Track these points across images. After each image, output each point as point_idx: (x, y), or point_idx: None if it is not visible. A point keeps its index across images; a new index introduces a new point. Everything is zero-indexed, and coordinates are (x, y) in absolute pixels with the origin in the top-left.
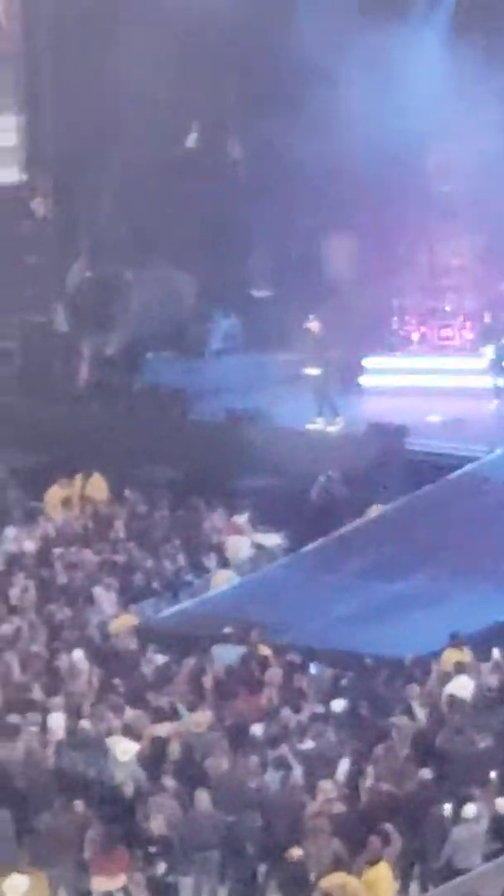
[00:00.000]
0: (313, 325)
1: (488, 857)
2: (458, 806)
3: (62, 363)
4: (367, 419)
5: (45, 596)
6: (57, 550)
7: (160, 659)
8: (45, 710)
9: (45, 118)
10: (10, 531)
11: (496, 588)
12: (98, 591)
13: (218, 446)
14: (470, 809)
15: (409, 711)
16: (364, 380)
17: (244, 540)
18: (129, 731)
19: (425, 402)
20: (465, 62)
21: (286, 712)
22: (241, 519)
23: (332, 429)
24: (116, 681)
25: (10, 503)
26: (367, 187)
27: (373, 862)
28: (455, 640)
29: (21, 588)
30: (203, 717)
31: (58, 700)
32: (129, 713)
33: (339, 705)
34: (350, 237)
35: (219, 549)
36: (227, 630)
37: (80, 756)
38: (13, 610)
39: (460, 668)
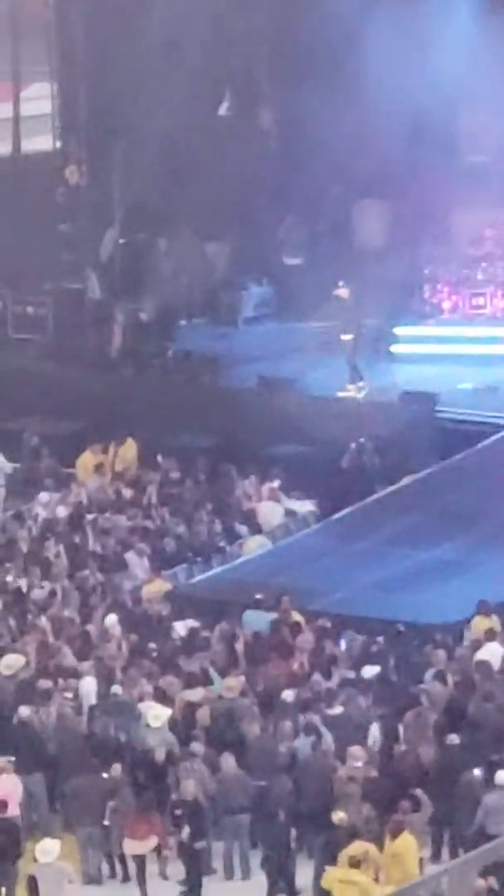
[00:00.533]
0: (342, 291)
1: None
2: (490, 772)
3: (95, 330)
4: (398, 387)
5: (77, 561)
6: (90, 516)
7: (192, 624)
8: (78, 675)
9: (79, 86)
10: (44, 497)
11: None
12: (130, 556)
13: (250, 413)
14: (501, 775)
15: (439, 678)
16: (396, 348)
17: (276, 507)
18: (162, 697)
19: (457, 369)
20: (497, 32)
21: (317, 678)
22: (273, 486)
23: (360, 394)
24: (149, 646)
25: (43, 470)
26: (399, 156)
27: (396, 833)
28: (483, 608)
29: (54, 553)
30: (235, 683)
31: (90, 665)
32: (162, 678)
33: (369, 671)
34: (382, 206)
35: (251, 516)
36: (258, 596)
37: (113, 721)
38: (46, 575)
39: (490, 636)
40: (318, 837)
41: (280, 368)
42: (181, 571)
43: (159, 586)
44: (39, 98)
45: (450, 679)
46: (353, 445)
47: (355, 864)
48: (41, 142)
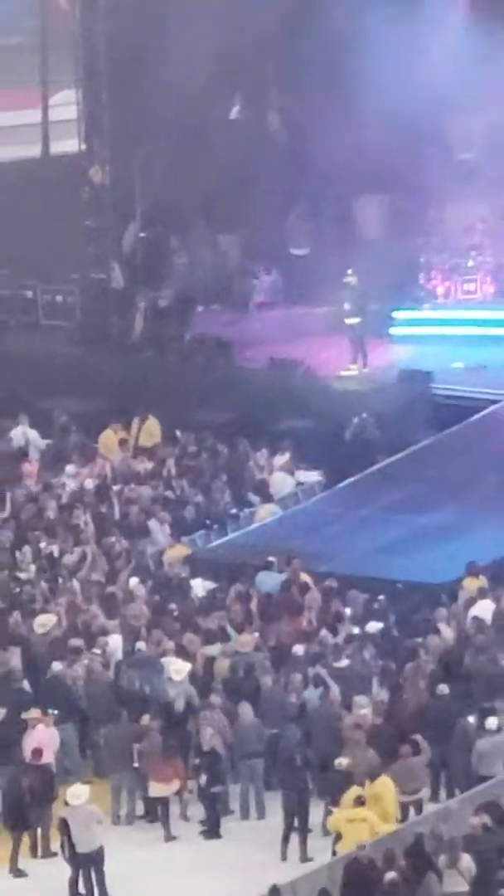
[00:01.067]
0: (352, 278)
1: None
2: (482, 719)
3: (119, 316)
4: (397, 366)
5: (104, 529)
6: (115, 487)
7: (210, 586)
8: (106, 633)
9: (102, 93)
10: (71, 469)
11: None
12: (153, 524)
13: (261, 391)
14: (492, 721)
15: (436, 632)
16: (394, 330)
17: (287, 477)
18: (182, 652)
19: (450, 350)
20: (485, 39)
21: (324, 634)
22: (283, 458)
23: (364, 372)
24: (170, 606)
25: (72, 445)
26: (396, 155)
27: (375, 776)
28: (472, 569)
29: (83, 522)
30: (249, 639)
31: (116, 624)
32: (182, 635)
33: (372, 627)
34: (380, 199)
35: (262, 486)
36: (270, 559)
37: (137, 675)
38: (76, 541)
39: (483, 593)
40: (326, 780)
41: (288, 350)
42: (199, 537)
43: (179, 551)
44: (66, 104)
45: (446, 633)
46: (355, 420)
47: (361, 802)
48: (68, 145)
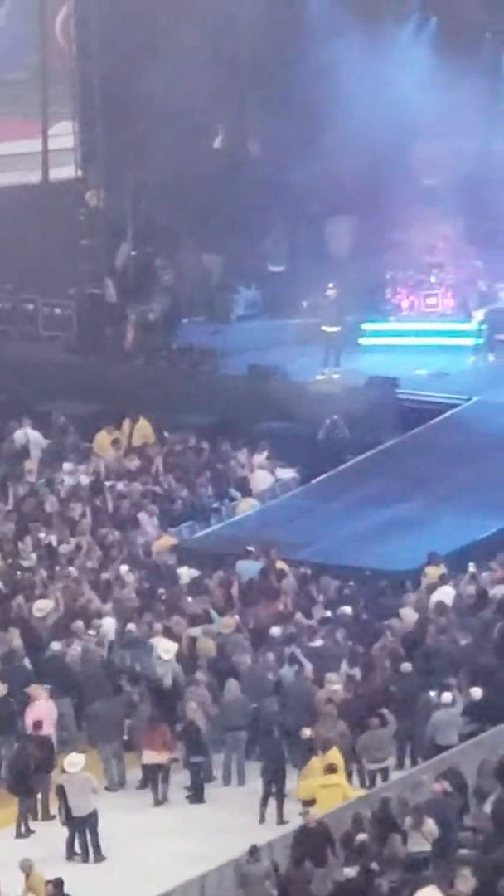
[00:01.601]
0: (332, 291)
1: (467, 737)
2: (439, 694)
3: (112, 327)
4: (365, 373)
5: (98, 521)
6: (108, 483)
7: (194, 573)
8: (100, 616)
9: (97, 124)
10: (68, 467)
11: (473, 513)
12: (142, 516)
13: (241, 396)
14: (447, 696)
15: (401, 615)
16: (363, 340)
17: (267, 475)
18: (170, 633)
19: (414, 358)
20: (446, 75)
21: (299, 617)
22: (262, 456)
23: (335, 377)
24: (158, 591)
25: (69, 445)
26: (365, 179)
27: (327, 748)
28: (433, 558)
29: (78, 514)
30: (230, 621)
31: (109, 607)
32: (170, 618)
33: (344, 611)
34: (350, 220)
35: (243, 482)
36: (249, 548)
37: (129, 654)
38: (72, 532)
39: (443, 580)
40: (300, 750)
41: (266, 358)
42: (185, 529)
43: (167, 541)
44: (64, 134)
45: (410, 616)
46: (327, 422)
47: (333, 769)
48: (65, 171)
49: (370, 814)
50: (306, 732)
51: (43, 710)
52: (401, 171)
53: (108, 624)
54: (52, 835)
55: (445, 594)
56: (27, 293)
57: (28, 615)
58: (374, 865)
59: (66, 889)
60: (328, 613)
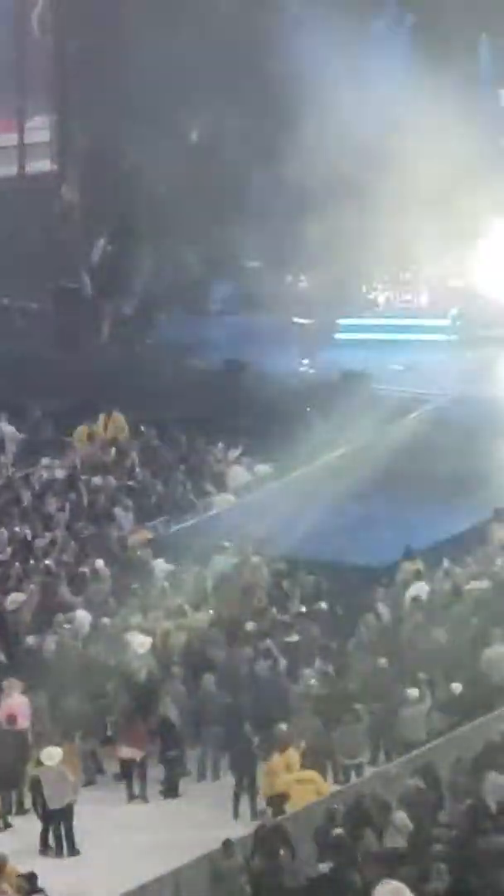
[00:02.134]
0: (304, 283)
1: (442, 733)
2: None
3: (88, 322)
4: (341, 368)
5: (73, 515)
6: (83, 477)
7: (170, 567)
8: (74, 609)
9: (73, 119)
10: (45, 461)
11: (448, 508)
12: (118, 510)
13: (217, 390)
14: (413, 692)
15: (376, 611)
16: (338, 335)
17: (241, 469)
18: (144, 628)
19: (389, 353)
20: (422, 71)
21: (274, 611)
22: (238, 451)
23: (311, 372)
24: (133, 585)
25: (45, 439)
26: (342, 175)
27: (284, 749)
28: (408, 553)
29: (54, 508)
30: (205, 616)
31: (84, 601)
32: (145, 612)
33: (320, 606)
34: (326, 217)
35: (218, 476)
36: (224, 543)
37: (103, 647)
38: (47, 526)
39: (418, 575)
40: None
41: (242, 353)
42: (160, 523)
43: (142, 535)
44: (41, 128)
45: (385, 611)
46: (302, 417)
47: (307, 765)
48: (42, 165)
49: (344, 809)
50: (282, 728)
51: (18, 703)
52: (377, 166)
53: (83, 617)
54: (25, 828)
55: (420, 590)
56: (2, 287)
57: (2, 608)
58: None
59: (39, 883)
60: (303, 608)
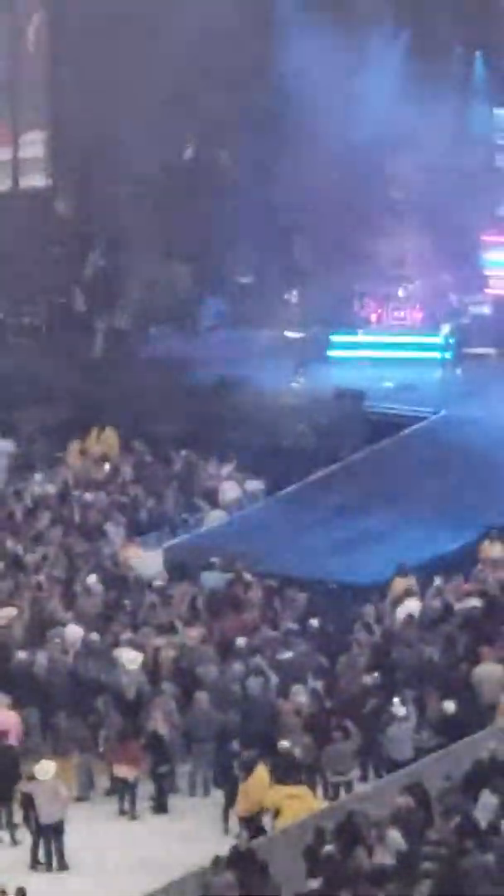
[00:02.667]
0: (294, 298)
1: (430, 751)
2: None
3: (80, 336)
4: (332, 384)
5: (64, 530)
6: (75, 492)
7: (161, 583)
8: (65, 625)
9: (67, 134)
10: (37, 476)
11: (439, 526)
12: (109, 526)
13: (210, 406)
14: (400, 710)
15: (367, 628)
16: (331, 352)
17: (235, 486)
18: (135, 644)
19: (381, 371)
20: (417, 87)
21: (265, 629)
22: (229, 467)
23: (301, 381)
24: (124, 601)
25: (37, 453)
26: (335, 192)
27: (251, 770)
28: (401, 570)
29: (45, 524)
30: (196, 632)
31: (75, 616)
32: (135, 628)
33: (310, 623)
34: (319, 234)
35: (210, 493)
36: (214, 560)
37: (94, 663)
38: (39, 542)
39: (410, 593)
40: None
41: (234, 369)
42: (152, 539)
43: (133, 551)
44: (34, 143)
45: (376, 629)
46: (293, 433)
47: (300, 781)
48: (35, 179)
49: (334, 826)
50: (283, 744)
51: (6, 718)
52: (370, 183)
53: (74, 633)
54: (15, 843)
55: (409, 608)
56: None
57: None
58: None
59: None
60: (294, 626)
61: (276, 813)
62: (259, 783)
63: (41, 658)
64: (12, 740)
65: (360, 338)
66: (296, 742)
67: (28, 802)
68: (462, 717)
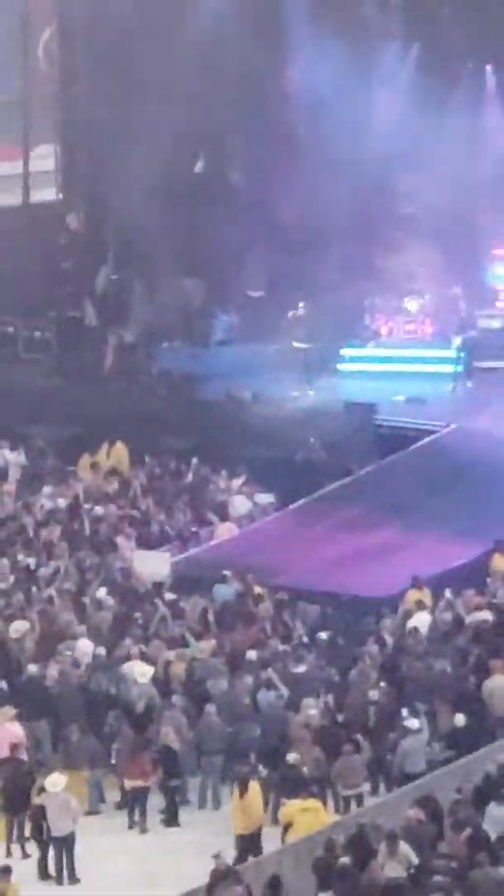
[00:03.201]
0: (301, 310)
1: (441, 764)
2: (407, 719)
3: (91, 351)
4: (343, 398)
5: (75, 544)
6: (86, 506)
7: (171, 597)
8: (76, 638)
9: (78, 147)
10: (47, 490)
11: (450, 539)
12: (120, 540)
13: (220, 420)
14: (414, 723)
15: (378, 641)
16: (342, 366)
17: (243, 498)
18: (146, 657)
19: (392, 384)
20: (427, 102)
21: (276, 642)
22: (240, 481)
23: (310, 393)
24: (135, 614)
25: (48, 468)
26: (345, 205)
27: (244, 786)
28: (416, 582)
29: (56, 537)
30: (207, 645)
31: (86, 630)
32: (146, 641)
33: (320, 636)
34: (330, 248)
35: (221, 506)
36: (226, 573)
37: (105, 677)
38: (50, 555)
39: (420, 606)
40: (275, 774)
41: (245, 383)
42: (163, 553)
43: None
44: (46, 157)
45: (387, 641)
46: (304, 448)
47: (312, 794)
48: (46, 194)
49: (346, 839)
50: (293, 756)
51: (18, 731)
52: (381, 197)
53: (85, 647)
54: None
55: (420, 621)
56: (7, 315)
57: (4, 636)
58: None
59: None
60: (305, 639)
61: (288, 826)
62: (256, 799)
63: (52, 671)
64: (20, 753)
65: (371, 351)
66: (305, 755)
67: (39, 815)
68: (473, 730)
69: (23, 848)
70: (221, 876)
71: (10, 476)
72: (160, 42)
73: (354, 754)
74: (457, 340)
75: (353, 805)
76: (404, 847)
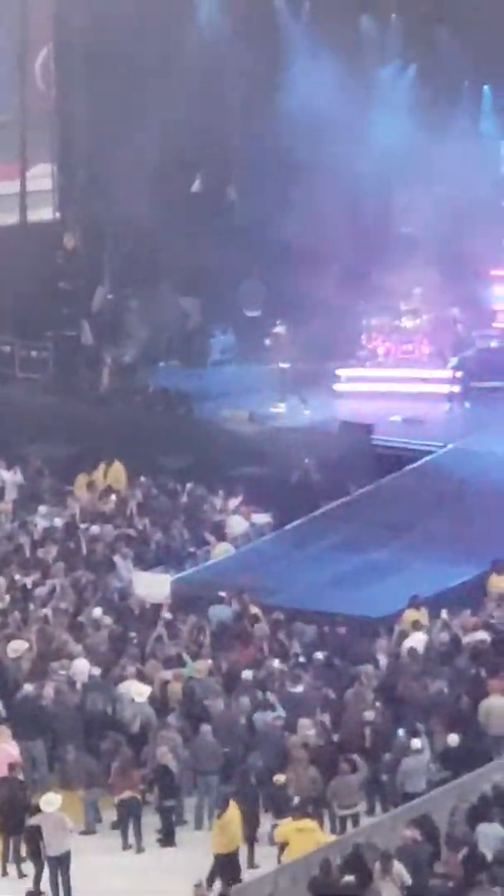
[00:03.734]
0: (280, 329)
1: (437, 784)
2: (409, 740)
3: (88, 370)
4: (339, 418)
5: (72, 563)
6: (82, 525)
7: (168, 616)
8: (72, 658)
9: (75, 166)
10: (43, 509)
11: (447, 560)
12: (117, 559)
13: (217, 440)
14: (416, 742)
15: (374, 661)
16: (338, 386)
17: (240, 518)
18: (143, 676)
19: (389, 404)
20: (425, 122)
21: (272, 661)
22: (237, 501)
23: (307, 422)
24: (131, 634)
25: (45, 487)
26: (342, 225)
27: (224, 807)
28: (414, 602)
29: (52, 557)
30: (203, 665)
31: (82, 649)
32: (143, 661)
33: (317, 656)
34: (327, 267)
35: (217, 526)
36: (222, 593)
37: (101, 696)
38: (46, 575)
39: (417, 626)
40: (273, 796)
41: (242, 403)
42: (159, 572)
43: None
44: (42, 176)
45: (383, 662)
46: (300, 467)
47: (307, 814)
48: (43, 213)
49: (342, 859)
50: (280, 779)
51: (14, 751)
52: (379, 216)
53: (81, 666)
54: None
55: (416, 641)
56: (4, 334)
57: (1, 656)
58: None
59: None
60: (301, 659)
61: (284, 846)
62: (235, 819)
63: (48, 691)
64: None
65: (368, 371)
66: (302, 775)
67: (35, 834)
68: (468, 750)
69: (18, 868)
70: None
71: (7, 495)
72: (157, 63)
73: (351, 774)
74: (454, 361)
75: (350, 825)
76: (398, 867)
